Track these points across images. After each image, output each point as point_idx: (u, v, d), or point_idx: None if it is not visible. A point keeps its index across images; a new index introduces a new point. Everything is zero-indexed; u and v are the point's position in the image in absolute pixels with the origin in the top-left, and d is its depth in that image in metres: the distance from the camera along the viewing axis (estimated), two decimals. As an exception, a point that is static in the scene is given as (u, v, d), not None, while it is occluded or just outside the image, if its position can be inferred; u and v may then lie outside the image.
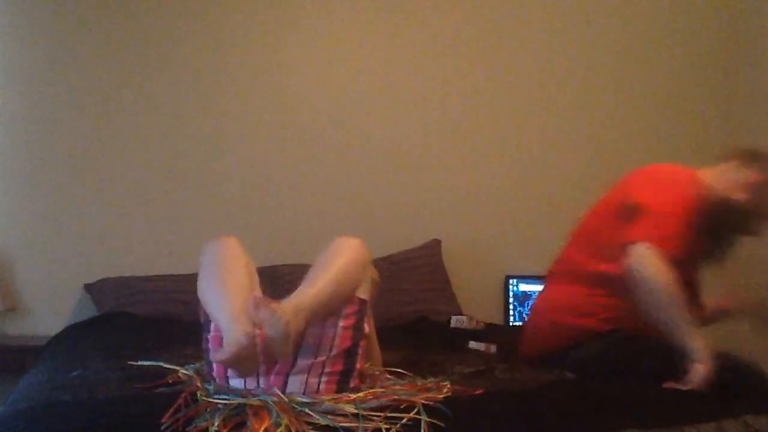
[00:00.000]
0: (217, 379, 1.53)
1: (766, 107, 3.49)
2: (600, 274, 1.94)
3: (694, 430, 1.38)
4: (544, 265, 3.36)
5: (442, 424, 1.27)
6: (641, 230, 1.82)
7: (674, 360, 1.72)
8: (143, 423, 1.25)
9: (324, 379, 1.48)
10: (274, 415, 1.25)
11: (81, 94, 2.97)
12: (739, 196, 1.96)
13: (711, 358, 1.70)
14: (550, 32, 3.48)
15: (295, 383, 1.46)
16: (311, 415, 1.27)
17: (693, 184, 2.00)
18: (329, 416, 1.27)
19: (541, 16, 3.47)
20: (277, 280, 2.84)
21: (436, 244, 3.21)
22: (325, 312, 1.54)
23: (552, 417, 1.38)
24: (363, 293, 1.65)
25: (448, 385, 1.52)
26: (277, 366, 1.46)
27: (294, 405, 1.30)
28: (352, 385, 1.52)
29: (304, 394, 1.41)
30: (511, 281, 3.31)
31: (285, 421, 1.23)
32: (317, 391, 1.46)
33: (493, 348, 2.33)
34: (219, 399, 1.33)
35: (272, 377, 1.46)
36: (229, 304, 1.50)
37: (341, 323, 1.56)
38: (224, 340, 1.40)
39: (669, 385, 1.69)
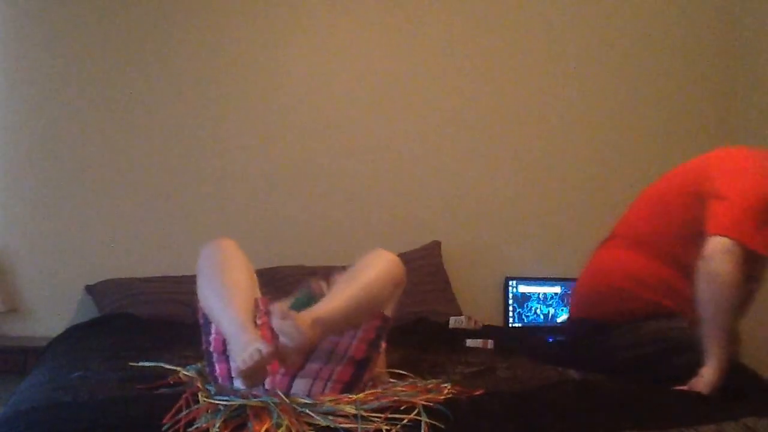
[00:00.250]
0: (219, 380, 1.53)
1: (766, 107, 3.50)
2: (675, 255, 1.87)
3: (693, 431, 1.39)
4: (543, 267, 3.39)
5: (443, 426, 1.27)
6: (724, 222, 1.74)
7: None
8: (144, 424, 1.25)
9: (329, 385, 1.48)
10: (275, 416, 1.25)
11: (82, 95, 2.97)
12: None
13: (725, 370, 1.69)
14: (548, 36, 3.48)
15: (300, 385, 1.46)
16: (312, 416, 1.28)
17: None
18: (330, 417, 1.27)
19: (540, 20, 3.48)
20: (278, 282, 2.84)
21: (436, 245, 3.22)
22: (345, 326, 1.52)
23: (552, 418, 1.38)
24: (389, 310, 1.63)
25: (449, 386, 1.53)
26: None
27: (295, 406, 1.30)
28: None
29: (308, 396, 1.41)
30: (510, 283, 3.32)
31: (286, 422, 1.23)
32: (321, 395, 1.46)
33: (490, 344, 2.34)
34: (220, 400, 1.33)
35: (278, 377, 1.46)
36: (233, 310, 1.49)
37: (359, 334, 1.55)
38: (232, 351, 1.40)
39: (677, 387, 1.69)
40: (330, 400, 1.36)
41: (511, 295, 3.32)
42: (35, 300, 2.87)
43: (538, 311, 3.34)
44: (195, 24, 3.09)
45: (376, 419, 1.27)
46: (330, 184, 3.20)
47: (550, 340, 2.96)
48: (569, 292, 2.15)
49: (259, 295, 1.64)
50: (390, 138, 3.28)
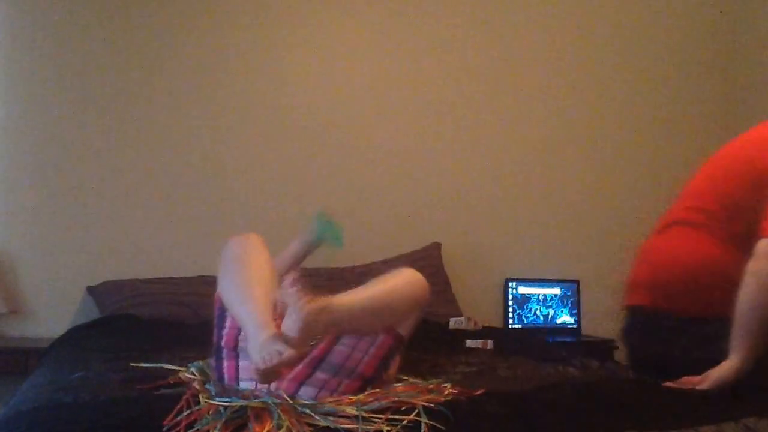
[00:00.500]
0: (225, 377, 1.53)
1: (766, 108, 3.50)
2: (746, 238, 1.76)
3: (693, 432, 1.39)
4: (543, 269, 3.40)
5: (443, 427, 1.28)
6: None
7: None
8: (145, 425, 1.25)
9: (335, 396, 1.48)
10: (276, 417, 1.26)
11: (83, 97, 2.98)
12: None
13: (743, 372, 1.67)
14: (548, 38, 3.49)
15: (307, 392, 1.46)
16: (313, 417, 1.28)
17: None
18: (330, 418, 1.27)
19: (541, 20, 3.49)
20: (280, 283, 2.85)
21: (437, 247, 3.22)
22: (353, 327, 1.49)
23: (552, 418, 1.38)
24: (405, 329, 1.62)
25: (449, 387, 1.53)
26: (294, 372, 1.46)
27: (296, 406, 1.31)
28: None
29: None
30: (510, 284, 3.32)
31: (286, 423, 1.24)
32: None
33: (490, 344, 2.35)
34: (221, 401, 1.33)
35: (285, 382, 1.46)
36: (253, 306, 1.47)
37: (372, 350, 1.55)
38: (250, 348, 1.38)
39: (687, 380, 1.67)
40: (331, 401, 1.36)
41: (510, 297, 3.32)
42: (37, 301, 2.88)
43: (538, 312, 3.35)
44: (196, 27, 3.10)
45: (377, 420, 1.27)
46: (331, 185, 3.21)
47: (550, 340, 2.97)
48: (629, 283, 2.05)
49: (278, 293, 1.62)
50: (391, 140, 3.29)
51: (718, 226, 1.88)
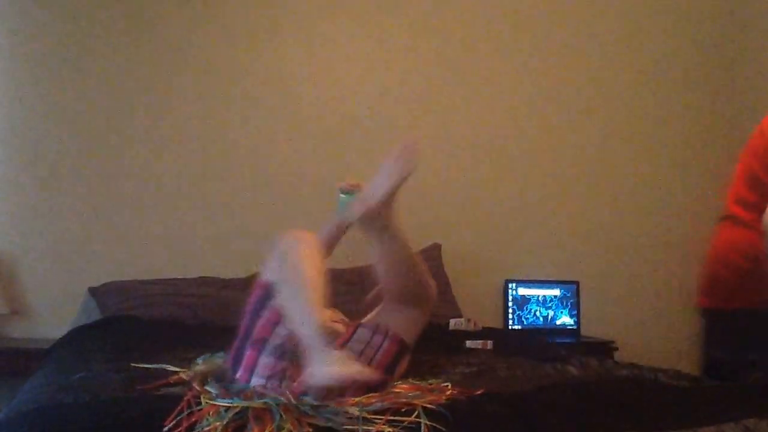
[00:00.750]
0: (240, 369, 1.51)
1: (765, 108, 3.51)
2: None
3: (693, 433, 1.39)
4: (542, 270, 3.40)
5: (443, 428, 1.28)
6: None
7: None
8: (146, 425, 1.26)
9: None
10: (277, 418, 1.26)
11: (84, 99, 2.98)
12: None
13: None
14: (547, 39, 3.50)
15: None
16: (315, 417, 1.28)
17: None
18: (333, 418, 1.28)
19: (541, 22, 3.50)
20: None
21: (437, 248, 3.23)
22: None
23: (552, 418, 1.39)
24: (409, 335, 1.64)
25: (450, 387, 1.53)
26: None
27: (299, 407, 1.31)
28: None
29: None
30: (510, 285, 3.33)
31: (288, 425, 1.24)
32: None
33: (489, 344, 2.36)
34: (222, 402, 1.33)
35: (296, 384, 1.46)
36: (317, 318, 1.45)
37: (378, 357, 1.57)
38: (313, 360, 1.38)
39: None
40: (334, 402, 1.36)
41: (510, 298, 3.33)
42: (38, 302, 2.88)
43: (538, 314, 3.35)
44: (198, 29, 3.11)
45: (378, 421, 1.28)
46: (331, 187, 3.21)
47: (550, 341, 2.97)
48: (702, 282, 2.01)
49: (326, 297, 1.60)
50: (390, 141, 3.29)
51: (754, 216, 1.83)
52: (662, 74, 3.65)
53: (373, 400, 1.38)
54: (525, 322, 3.32)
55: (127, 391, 1.54)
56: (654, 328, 3.55)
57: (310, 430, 1.25)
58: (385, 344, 1.56)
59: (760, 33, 3.58)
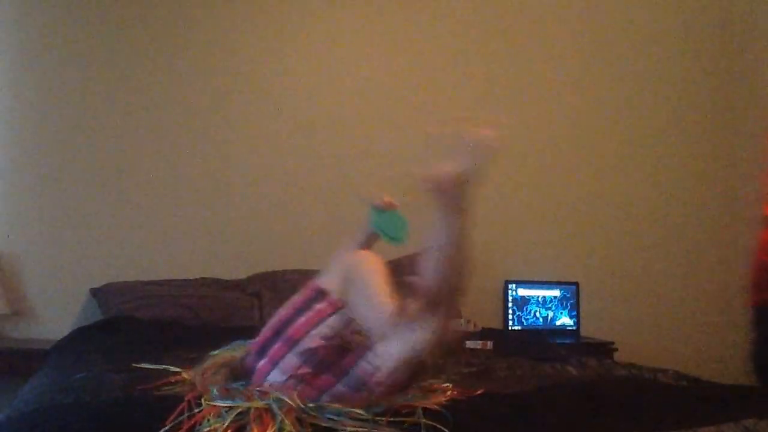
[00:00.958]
0: (266, 358, 1.51)
1: (766, 107, 3.51)
2: None
3: (694, 433, 1.39)
4: (542, 271, 3.40)
5: (443, 428, 1.29)
6: None
7: None
8: (147, 426, 1.26)
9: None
10: (278, 420, 1.26)
11: (86, 100, 2.99)
12: None
13: None
14: (548, 40, 3.50)
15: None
16: (317, 418, 1.28)
17: None
18: (335, 419, 1.28)
19: (540, 24, 3.50)
20: (281, 285, 2.86)
21: (437, 249, 3.23)
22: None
23: (552, 418, 1.39)
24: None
25: (450, 387, 1.54)
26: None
27: (303, 407, 1.31)
28: None
29: None
30: (510, 286, 3.33)
31: (288, 427, 1.24)
32: None
33: (489, 345, 2.37)
34: (223, 404, 1.32)
35: (310, 389, 1.46)
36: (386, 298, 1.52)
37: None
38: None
39: None
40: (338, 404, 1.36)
41: (510, 298, 3.33)
42: (40, 303, 2.89)
43: (537, 314, 3.36)
44: (200, 31, 3.12)
45: (380, 421, 1.28)
46: (331, 189, 3.22)
47: (550, 341, 2.98)
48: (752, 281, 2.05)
49: None
50: (390, 142, 3.30)
51: None
52: (663, 76, 3.65)
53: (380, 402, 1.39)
54: (525, 323, 3.33)
55: (127, 392, 1.55)
56: (653, 329, 3.56)
57: (311, 430, 1.25)
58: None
59: (761, 33, 3.59)
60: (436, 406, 1.35)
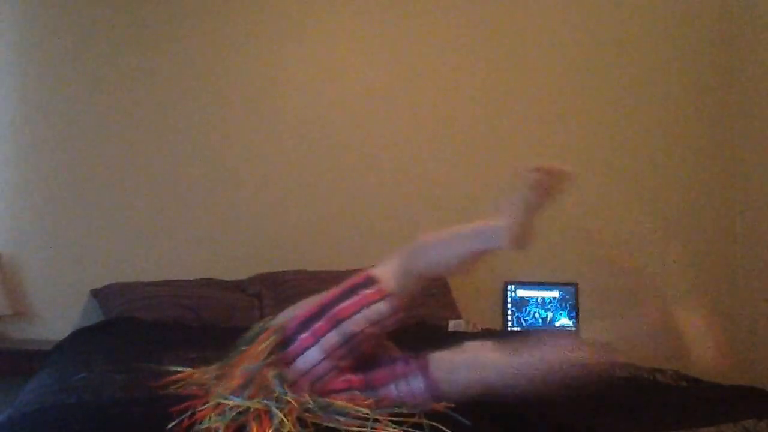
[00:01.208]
0: (305, 337, 1.52)
1: (766, 107, 3.52)
2: None
3: (693, 433, 1.40)
4: (542, 272, 3.40)
5: (446, 429, 1.29)
6: None
7: None
8: (148, 426, 1.27)
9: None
10: (276, 422, 1.26)
11: (88, 101, 3.00)
12: None
13: None
14: (547, 43, 3.51)
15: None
16: (319, 417, 1.29)
17: None
18: (341, 419, 1.28)
19: (541, 26, 3.51)
20: (282, 286, 2.87)
21: (437, 250, 3.23)
22: None
23: (552, 419, 1.40)
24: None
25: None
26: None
27: (309, 406, 1.32)
28: None
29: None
30: (509, 287, 3.34)
31: (288, 427, 1.25)
32: None
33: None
34: (227, 401, 1.33)
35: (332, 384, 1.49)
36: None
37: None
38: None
39: None
40: (345, 402, 1.37)
41: (510, 299, 3.34)
42: (42, 303, 2.89)
43: (537, 315, 3.36)
44: (201, 33, 3.12)
45: (382, 421, 1.29)
46: (331, 190, 3.22)
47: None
48: None
49: None
50: (391, 144, 3.31)
51: None
52: (662, 77, 3.66)
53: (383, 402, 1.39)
54: (524, 324, 3.33)
55: (129, 392, 1.55)
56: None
57: (312, 430, 1.26)
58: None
59: (763, 29, 3.59)
60: (437, 407, 1.36)
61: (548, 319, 3.37)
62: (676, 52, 3.67)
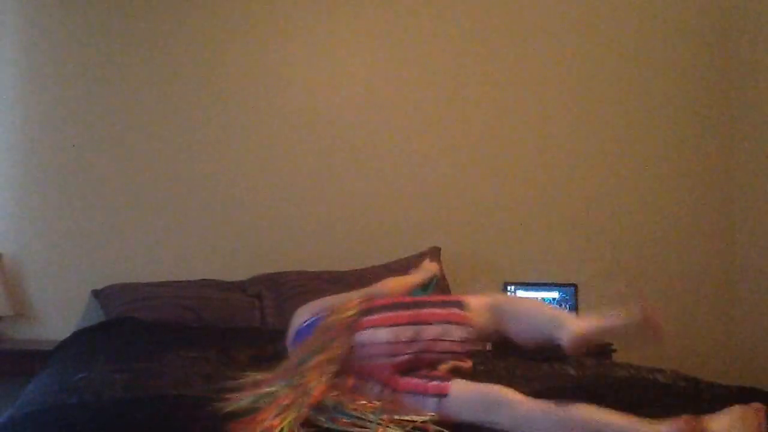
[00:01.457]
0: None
1: (765, 110, 3.52)
2: None
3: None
4: (541, 272, 3.41)
5: (445, 429, 1.30)
6: None
7: None
8: (149, 426, 1.27)
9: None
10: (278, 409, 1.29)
11: (89, 103, 3.00)
12: None
13: None
14: (549, 43, 3.51)
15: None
16: (319, 420, 1.30)
17: None
18: (345, 419, 1.29)
19: (541, 25, 3.51)
20: (282, 286, 2.88)
21: (436, 251, 3.24)
22: None
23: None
24: None
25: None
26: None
27: (326, 404, 1.34)
28: None
29: None
30: (509, 288, 3.34)
31: (289, 426, 1.25)
32: None
33: (489, 345, 2.38)
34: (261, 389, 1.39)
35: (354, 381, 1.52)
36: None
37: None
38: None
39: None
40: (354, 405, 1.38)
41: (511, 300, 3.34)
42: (43, 304, 2.90)
43: (538, 315, 3.36)
44: (202, 33, 3.13)
45: (382, 422, 1.30)
46: (331, 190, 3.23)
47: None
48: None
49: None
50: (391, 145, 3.31)
51: None
52: (663, 78, 3.66)
53: (388, 405, 1.40)
54: (525, 324, 3.33)
55: (129, 392, 1.56)
56: (653, 330, 3.56)
57: (312, 430, 1.26)
58: None
59: (763, 29, 3.60)
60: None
61: (548, 319, 3.37)
62: (676, 53, 3.67)
